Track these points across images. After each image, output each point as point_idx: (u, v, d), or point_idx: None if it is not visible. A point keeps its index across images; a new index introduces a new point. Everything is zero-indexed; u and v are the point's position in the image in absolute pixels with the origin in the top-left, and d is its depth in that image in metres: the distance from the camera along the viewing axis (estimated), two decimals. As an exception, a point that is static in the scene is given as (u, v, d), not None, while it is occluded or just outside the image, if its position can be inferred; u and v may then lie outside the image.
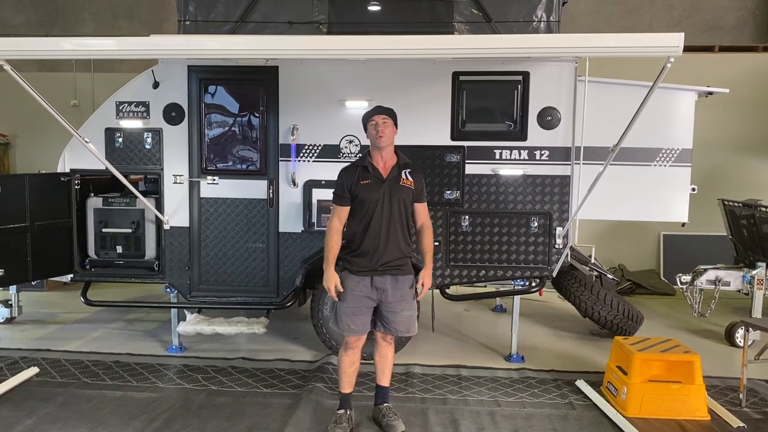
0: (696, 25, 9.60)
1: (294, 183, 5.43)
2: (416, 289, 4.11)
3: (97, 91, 9.40)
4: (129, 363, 5.37)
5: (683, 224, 5.47)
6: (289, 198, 5.47)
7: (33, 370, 5.08)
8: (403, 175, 4.03)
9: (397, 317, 4.03)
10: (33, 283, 5.87)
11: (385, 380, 4.26)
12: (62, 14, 10.33)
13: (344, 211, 4.04)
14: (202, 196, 5.51)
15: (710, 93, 5.41)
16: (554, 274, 5.44)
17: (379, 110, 4.03)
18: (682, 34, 3.60)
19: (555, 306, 7.60)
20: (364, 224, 3.99)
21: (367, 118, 4.06)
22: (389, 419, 4.14)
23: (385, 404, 4.25)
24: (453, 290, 5.79)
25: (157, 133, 5.50)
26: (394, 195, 3.98)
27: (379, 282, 3.99)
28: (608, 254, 8.62)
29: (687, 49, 3.69)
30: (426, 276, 4.10)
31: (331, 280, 3.99)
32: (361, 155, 4.57)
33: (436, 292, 5.54)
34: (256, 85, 5.42)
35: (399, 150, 4.15)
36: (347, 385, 4.20)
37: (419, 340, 5.67)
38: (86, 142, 4.89)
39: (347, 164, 4.21)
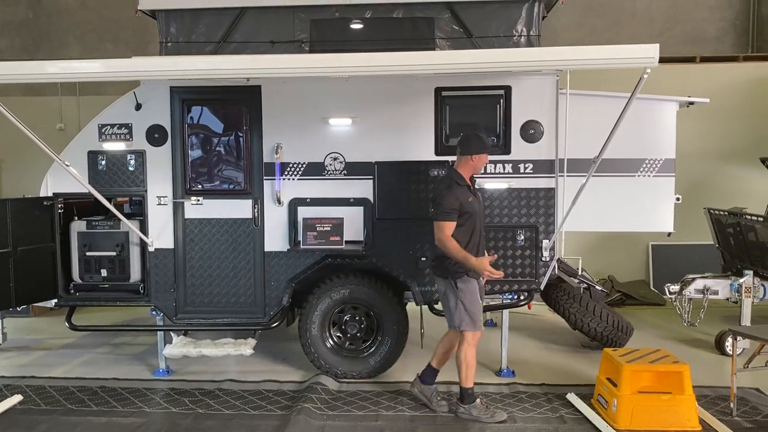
0: (678, 37, 9.70)
1: (279, 201, 5.41)
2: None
3: (82, 114, 9.36)
4: (115, 388, 5.30)
5: (669, 234, 5.48)
6: (275, 217, 5.45)
7: (16, 398, 5.01)
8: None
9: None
10: (18, 309, 5.79)
11: (437, 363, 4.92)
12: (47, 38, 10.31)
13: (454, 226, 4.55)
14: (186, 217, 5.48)
15: (691, 103, 5.44)
16: (542, 287, 5.43)
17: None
18: (657, 45, 3.64)
19: (545, 319, 7.57)
20: (474, 234, 4.61)
21: (482, 150, 4.61)
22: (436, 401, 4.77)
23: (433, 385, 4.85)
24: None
25: (141, 155, 5.47)
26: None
27: (480, 282, 4.74)
28: (598, 266, 8.62)
29: (669, 60, 3.74)
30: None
31: (483, 260, 4.44)
32: (446, 175, 4.86)
33: (425, 307, 5.51)
34: (239, 105, 5.42)
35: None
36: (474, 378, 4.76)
37: (408, 357, 5.62)
38: (67, 165, 4.86)
39: (451, 184, 4.58)
